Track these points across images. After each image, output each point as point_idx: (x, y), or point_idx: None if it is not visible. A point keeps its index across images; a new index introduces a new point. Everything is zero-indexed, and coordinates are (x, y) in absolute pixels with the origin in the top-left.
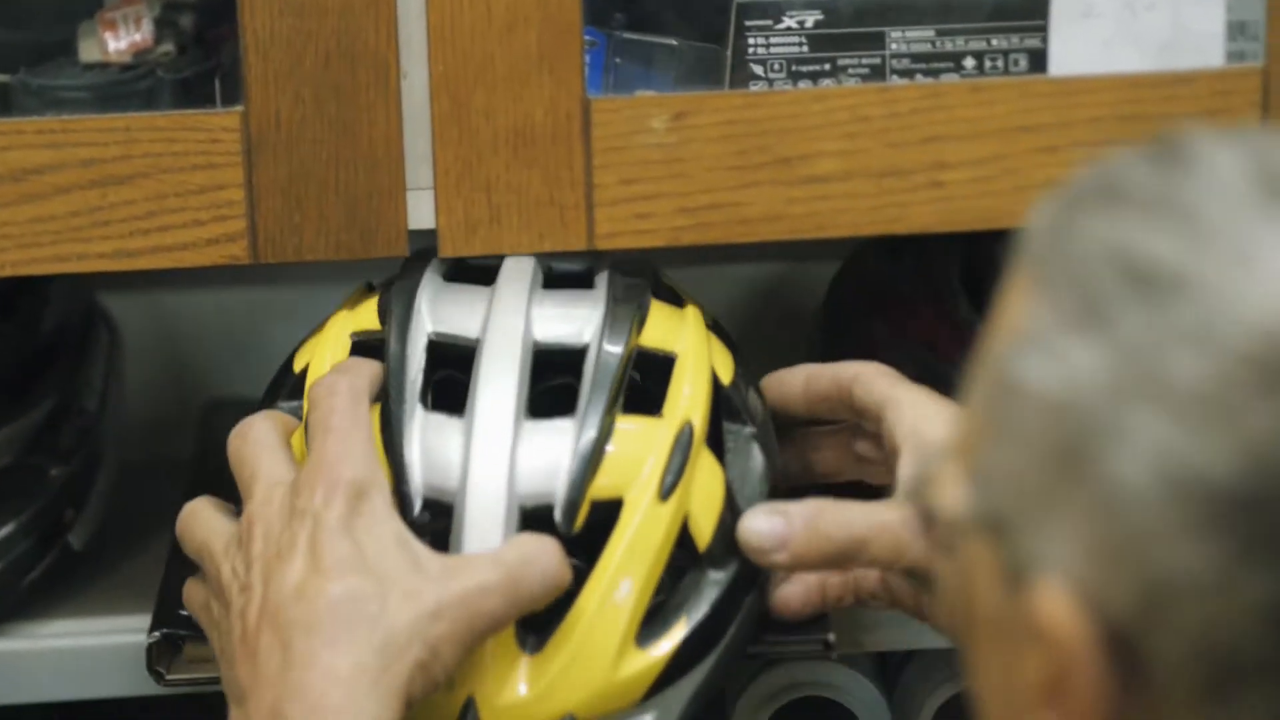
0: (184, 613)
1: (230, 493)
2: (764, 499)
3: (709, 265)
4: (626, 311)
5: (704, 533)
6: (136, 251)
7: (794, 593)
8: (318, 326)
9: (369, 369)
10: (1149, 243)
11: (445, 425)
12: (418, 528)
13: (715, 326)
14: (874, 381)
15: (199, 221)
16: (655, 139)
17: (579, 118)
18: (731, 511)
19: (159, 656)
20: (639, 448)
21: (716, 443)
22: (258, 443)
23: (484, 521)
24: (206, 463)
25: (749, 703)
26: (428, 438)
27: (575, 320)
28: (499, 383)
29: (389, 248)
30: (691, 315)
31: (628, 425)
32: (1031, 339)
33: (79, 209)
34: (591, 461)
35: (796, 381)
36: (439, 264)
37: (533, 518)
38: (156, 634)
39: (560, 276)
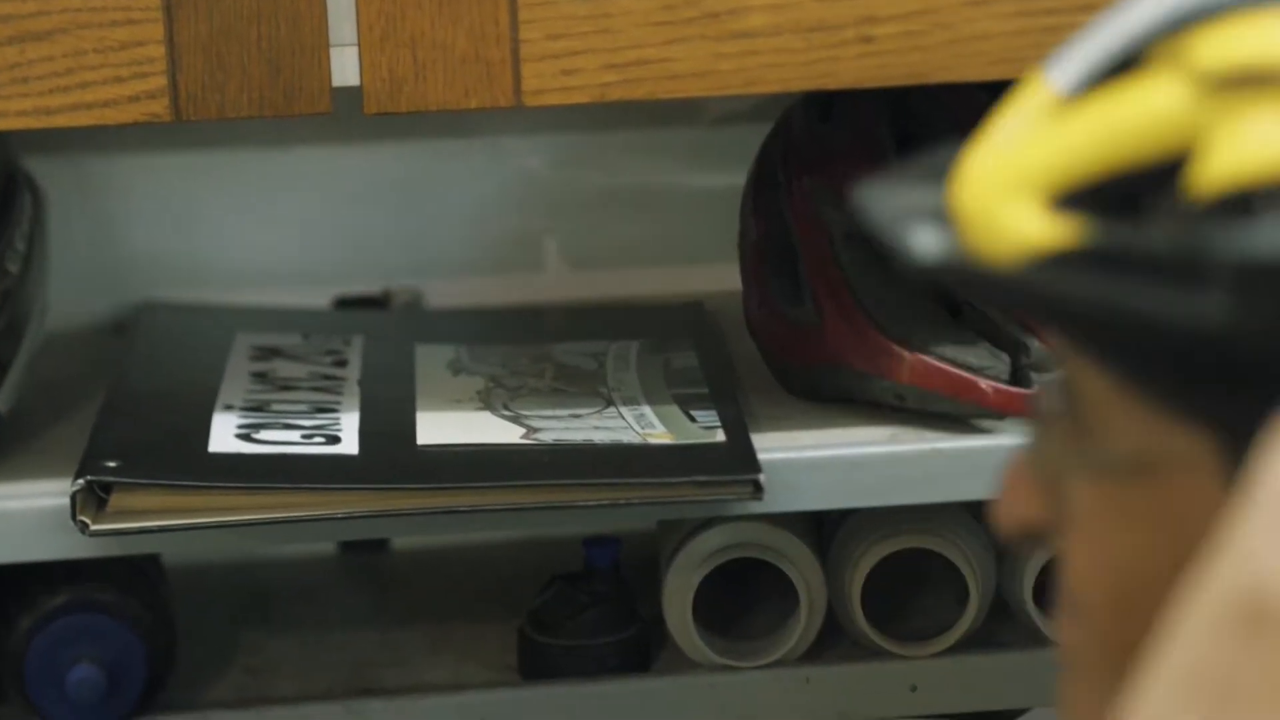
0: (110, 463)
1: (154, 403)
2: None
3: (640, 129)
4: None
5: None
6: (56, 109)
7: None
8: None
9: None
10: None
11: None
12: None
13: None
14: None
15: (119, 79)
16: None
17: None
18: None
19: (83, 506)
20: None
21: None
22: None
23: None
24: (135, 367)
25: (682, 565)
26: None
27: None
28: None
29: (312, 104)
30: None
31: None
32: None
33: None
34: None
35: None
36: None
37: None
38: (81, 481)
39: None
